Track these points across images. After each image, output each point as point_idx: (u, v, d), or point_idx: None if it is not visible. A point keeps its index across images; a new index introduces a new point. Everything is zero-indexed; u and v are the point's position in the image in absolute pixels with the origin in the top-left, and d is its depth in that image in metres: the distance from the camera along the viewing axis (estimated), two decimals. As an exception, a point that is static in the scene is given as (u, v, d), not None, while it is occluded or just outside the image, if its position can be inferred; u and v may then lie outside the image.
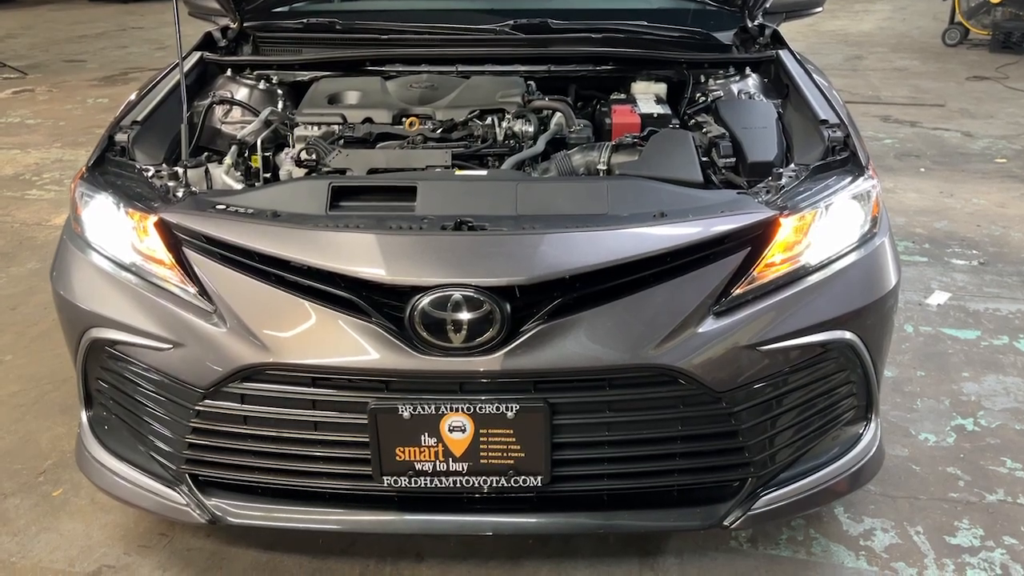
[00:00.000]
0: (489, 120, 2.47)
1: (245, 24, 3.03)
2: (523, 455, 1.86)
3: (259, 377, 1.85)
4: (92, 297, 2.00)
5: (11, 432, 2.80)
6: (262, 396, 1.87)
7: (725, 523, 1.95)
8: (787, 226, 1.90)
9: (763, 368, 1.86)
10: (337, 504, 1.97)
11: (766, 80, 2.76)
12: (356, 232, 1.83)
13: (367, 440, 1.85)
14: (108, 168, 2.21)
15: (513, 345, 1.77)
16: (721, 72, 2.79)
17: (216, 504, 1.98)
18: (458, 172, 2.17)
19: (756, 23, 2.96)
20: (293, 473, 1.94)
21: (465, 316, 1.75)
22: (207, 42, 2.95)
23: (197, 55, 2.81)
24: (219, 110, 2.65)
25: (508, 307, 1.76)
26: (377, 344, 1.78)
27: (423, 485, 1.89)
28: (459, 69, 2.79)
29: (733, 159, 2.30)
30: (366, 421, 1.83)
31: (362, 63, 2.84)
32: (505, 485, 1.89)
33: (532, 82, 2.71)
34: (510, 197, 1.94)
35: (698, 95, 2.72)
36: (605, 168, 2.24)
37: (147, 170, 2.17)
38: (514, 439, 1.84)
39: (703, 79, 2.78)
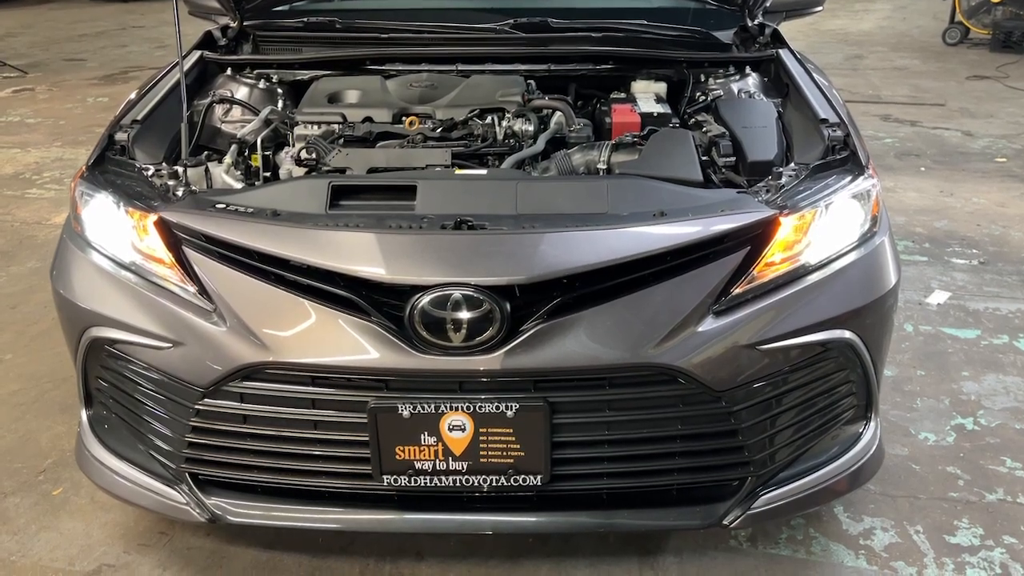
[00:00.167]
0: (489, 119, 2.47)
1: (245, 23, 3.03)
2: (523, 454, 1.86)
3: (259, 376, 1.85)
4: (92, 296, 2.00)
5: (11, 431, 2.80)
6: (262, 395, 1.87)
7: (725, 522, 1.95)
8: (787, 225, 1.90)
9: (763, 367, 1.86)
10: (337, 503, 1.97)
11: (766, 79, 2.76)
12: (356, 231, 1.83)
13: (367, 439, 1.85)
14: (108, 167, 2.21)
15: (513, 344, 1.77)
16: (721, 71, 2.80)
17: (216, 503, 1.98)
18: (458, 171, 2.17)
19: (756, 22, 2.97)
20: (293, 472, 1.94)
21: (465, 315, 1.75)
22: (207, 41, 2.95)
23: (197, 54, 2.81)
24: (219, 109, 2.65)
25: (508, 306, 1.77)
26: (377, 343, 1.78)
27: (423, 484, 1.89)
28: (459, 68, 2.79)
29: (733, 158, 2.30)
30: (366, 420, 1.83)
31: (362, 62, 2.84)
32: (505, 484, 1.89)
33: (532, 81, 2.71)
34: (510, 196, 1.94)
35: (698, 94, 2.72)
36: (605, 167, 2.24)
37: (147, 169, 2.17)
38: (514, 438, 1.84)
39: (703, 78, 2.79)
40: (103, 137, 2.28)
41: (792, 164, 2.17)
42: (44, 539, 2.34)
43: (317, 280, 1.82)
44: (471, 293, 1.75)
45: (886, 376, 2.66)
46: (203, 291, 1.88)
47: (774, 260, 1.89)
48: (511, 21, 2.87)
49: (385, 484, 1.90)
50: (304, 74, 2.84)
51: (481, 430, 1.83)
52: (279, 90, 2.81)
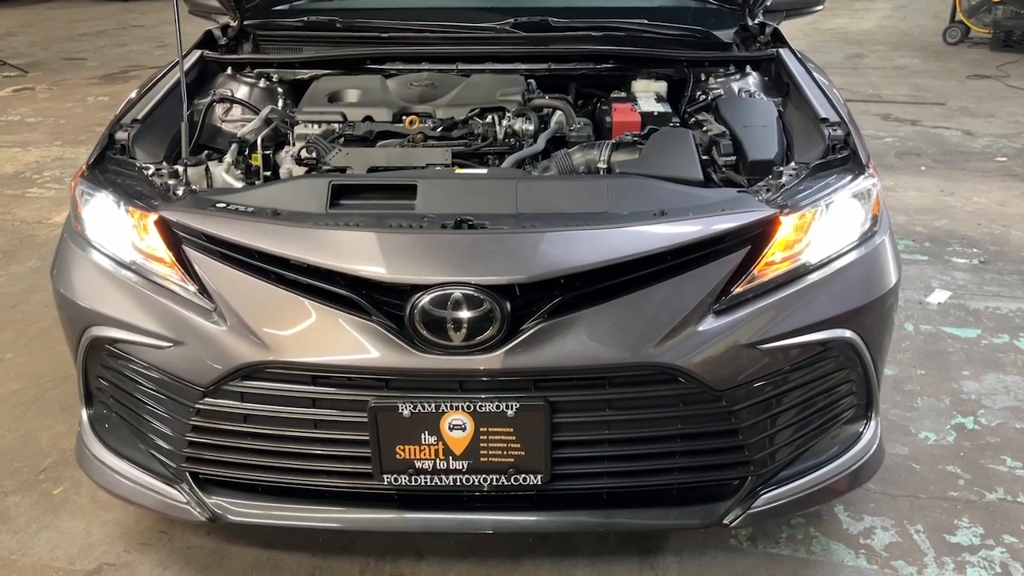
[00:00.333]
0: (489, 118, 2.47)
1: (245, 22, 3.03)
2: (523, 453, 1.86)
3: (259, 375, 1.85)
4: (92, 295, 2.00)
5: (11, 430, 2.80)
6: (262, 394, 1.87)
7: (725, 521, 1.95)
8: (787, 224, 1.90)
9: (763, 367, 1.86)
10: (337, 502, 1.97)
11: (766, 78, 2.76)
12: (356, 230, 1.83)
13: (367, 438, 1.85)
14: (108, 166, 2.21)
15: (513, 343, 1.77)
16: (721, 70, 2.79)
17: (216, 502, 1.98)
18: (458, 170, 2.17)
19: (756, 21, 2.96)
20: (293, 471, 1.94)
21: (465, 314, 1.75)
22: (207, 40, 2.95)
23: (197, 53, 2.81)
24: (219, 108, 2.66)
25: (508, 305, 1.76)
26: (377, 342, 1.78)
27: (423, 483, 1.89)
28: (459, 67, 2.79)
29: (733, 157, 2.30)
30: (366, 419, 1.83)
31: (362, 61, 2.84)
32: (505, 483, 1.89)
33: (532, 80, 2.71)
34: (510, 195, 1.94)
35: (698, 93, 2.72)
36: (605, 166, 2.24)
37: (147, 168, 2.17)
38: (514, 437, 1.84)
39: (703, 77, 2.78)
40: (103, 136, 2.28)
41: (792, 163, 2.17)
42: (45, 538, 2.34)
43: (317, 279, 1.82)
44: (471, 292, 1.75)
45: (886, 375, 2.66)
46: (203, 290, 1.88)
47: (774, 259, 1.89)
48: (511, 20, 2.87)
49: (385, 483, 1.90)
50: (304, 73, 2.84)
51: (481, 429, 1.83)
52: (279, 89, 2.81)
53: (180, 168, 2.16)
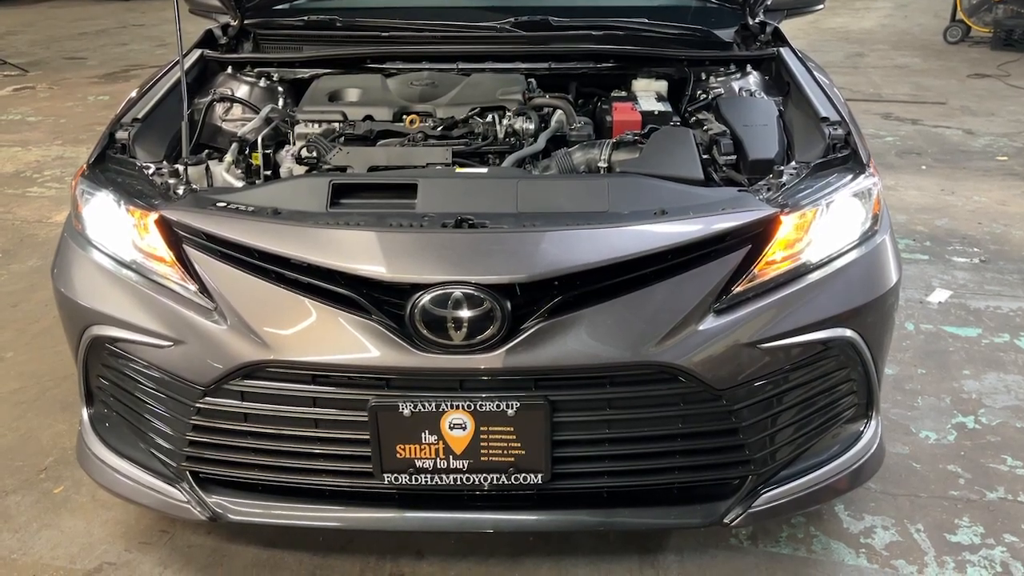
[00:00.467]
0: (490, 117, 2.46)
1: (246, 21, 3.03)
2: (523, 452, 1.86)
3: (260, 374, 1.85)
4: (93, 294, 2.00)
5: (12, 429, 2.80)
6: (263, 393, 1.87)
7: (725, 521, 1.95)
8: (788, 224, 1.90)
9: (764, 366, 1.86)
10: (337, 501, 1.97)
11: (767, 77, 2.76)
12: (357, 229, 1.83)
13: (367, 437, 1.85)
14: (109, 165, 2.21)
15: (514, 343, 1.77)
16: (722, 69, 2.79)
17: (217, 501, 1.98)
18: (459, 170, 2.17)
19: (757, 20, 2.96)
20: (294, 470, 1.94)
21: (465, 314, 1.75)
22: (208, 39, 2.95)
23: (198, 52, 2.80)
24: (220, 107, 2.65)
25: (508, 305, 1.76)
26: (378, 341, 1.78)
27: (423, 482, 1.89)
28: (460, 66, 2.79)
29: (734, 156, 2.30)
30: (366, 418, 1.83)
31: (363, 60, 2.84)
32: (505, 482, 1.89)
33: (533, 79, 2.71)
34: (511, 195, 1.94)
35: (699, 92, 2.72)
36: (606, 166, 2.24)
37: (148, 167, 2.17)
38: (514, 436, 1.84)
39: (704, 76, 2.78)
40: (104, 135, 2.28)
41: (793, 162, 2.17)
42: (45, 537, 2.34)
43: (318, 278, 1.82)
44: (472, 292, 1.75)
45: (887, 374, 2.65)
46: (204, 289, 1.88)
47: (775, 258, 1.89)
48: (512, 19, 2.87)
49: (386, 482, 1.90)
50: (305, 72, 2.83)
51: (482, 428, 1.83)
52: (280, 88, 2.81)
53: (180, 167, 2.16)
